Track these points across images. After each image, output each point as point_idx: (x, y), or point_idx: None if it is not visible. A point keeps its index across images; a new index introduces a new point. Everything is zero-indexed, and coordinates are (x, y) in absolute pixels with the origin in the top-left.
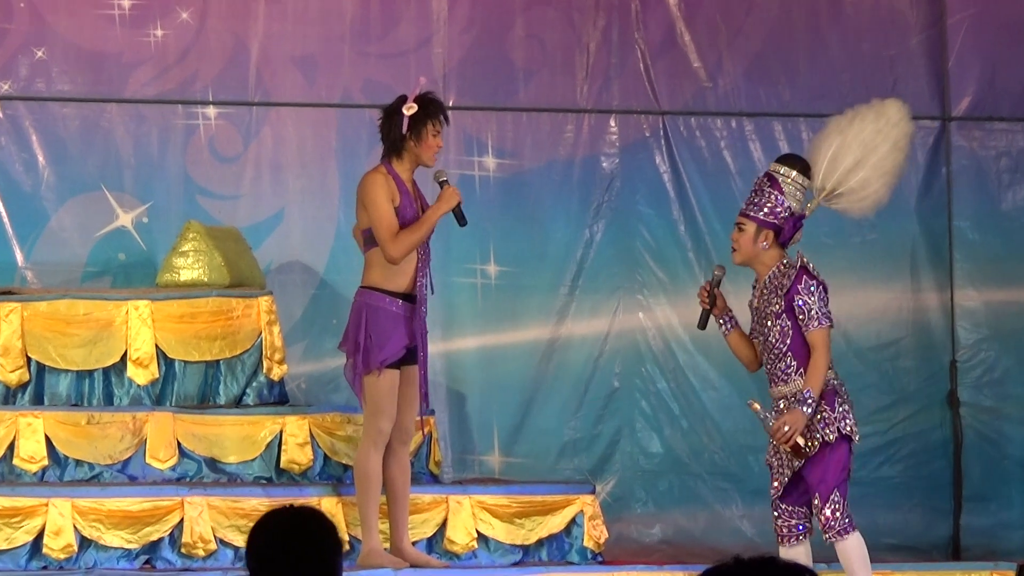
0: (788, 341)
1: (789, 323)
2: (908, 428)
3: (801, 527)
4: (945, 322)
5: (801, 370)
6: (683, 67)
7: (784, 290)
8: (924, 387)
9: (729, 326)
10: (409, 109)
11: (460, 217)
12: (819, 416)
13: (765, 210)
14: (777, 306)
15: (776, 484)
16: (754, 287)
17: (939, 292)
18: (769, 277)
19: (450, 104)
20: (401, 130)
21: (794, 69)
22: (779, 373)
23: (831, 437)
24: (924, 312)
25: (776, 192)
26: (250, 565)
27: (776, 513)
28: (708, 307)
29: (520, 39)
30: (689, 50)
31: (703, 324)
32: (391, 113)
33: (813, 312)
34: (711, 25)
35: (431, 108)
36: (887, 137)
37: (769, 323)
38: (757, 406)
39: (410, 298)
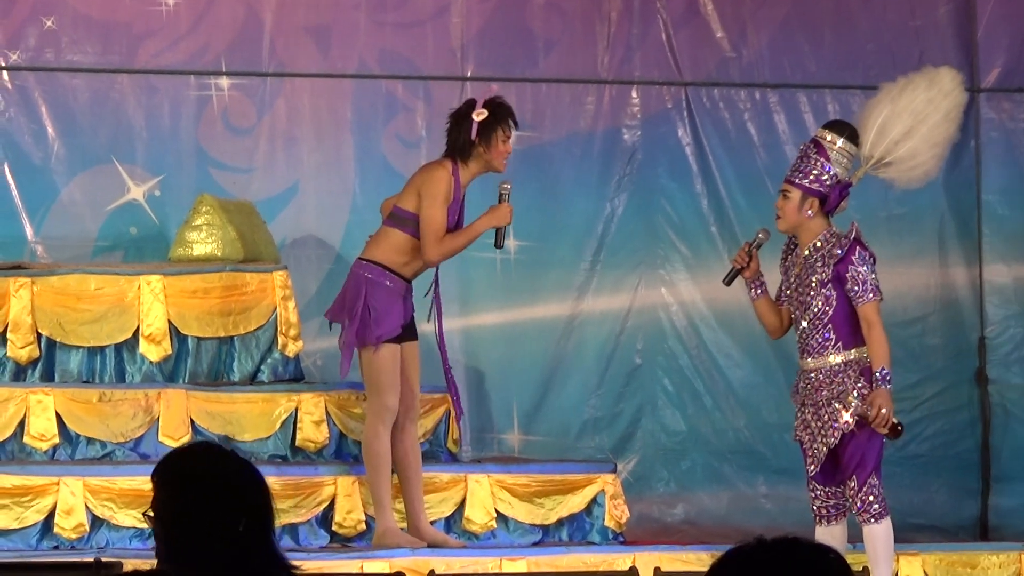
0: (831, 312)
1: (835, 293)
2: (935, 406)
3: (839, 507)
4: (973, 298)
5: (839, 344)
6: (706, 37)
7: (835, 260)
8: (952, 364)
9: (760, 291)
10: (479, 115)
11: (500, 238)
12: (859, 394)
13: (811, 177)
14: (824, 275)
15: (812, 464)
16: (785, 253)
17: (967, 267)
18: (815, 245)
19: (468, 75)
20: (470, 136)
21: (819, 39)
22: (815, 344)
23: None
24: (952, 288)
25: (822, 159)
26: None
27: (814, 495)
28: (741, 267)
29: (540, 8)
30: (712, 19)
31: (729, 281)
32: (460, 117)
33: (867, 285)
34: None
35: (501, 113)
36: (938, 107)
37: (813, 292)
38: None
39: (407, 280)
